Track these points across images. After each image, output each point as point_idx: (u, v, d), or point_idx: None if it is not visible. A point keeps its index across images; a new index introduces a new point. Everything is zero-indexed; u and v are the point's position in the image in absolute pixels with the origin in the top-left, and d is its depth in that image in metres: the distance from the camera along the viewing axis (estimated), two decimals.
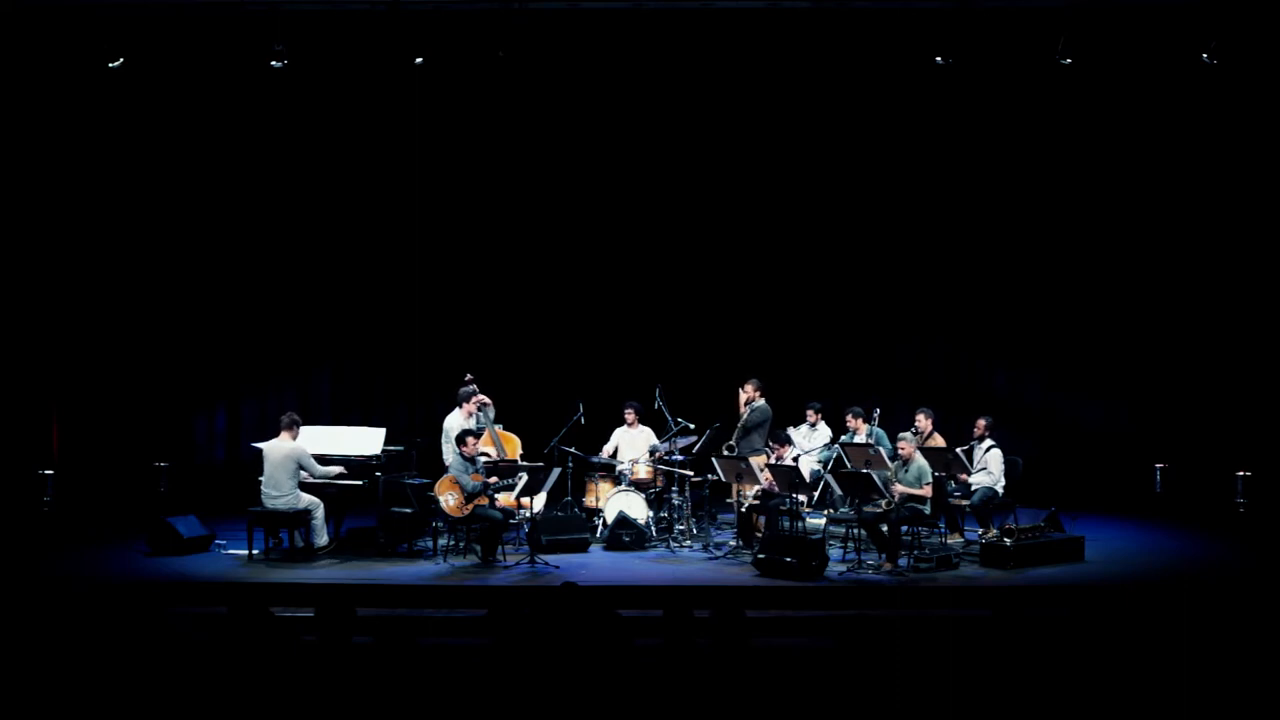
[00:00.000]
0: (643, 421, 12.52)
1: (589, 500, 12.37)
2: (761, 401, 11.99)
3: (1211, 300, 14.04)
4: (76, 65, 13.10)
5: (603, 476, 12.39)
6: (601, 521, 12.02)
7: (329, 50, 13.13)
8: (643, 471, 12.18)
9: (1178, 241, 14.15)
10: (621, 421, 12.53)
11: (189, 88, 13.66)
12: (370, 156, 14.34)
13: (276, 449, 11.10)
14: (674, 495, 11.99)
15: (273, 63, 12.62)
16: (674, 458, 11.99)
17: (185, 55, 13.08)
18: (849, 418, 12.14)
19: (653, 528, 11.86)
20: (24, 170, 13.57)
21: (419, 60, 13.02)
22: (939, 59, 12.88)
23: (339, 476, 11.37)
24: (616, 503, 11.84)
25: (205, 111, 13.93)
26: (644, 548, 11.61)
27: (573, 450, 12.17)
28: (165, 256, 14.31)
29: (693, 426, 12.09)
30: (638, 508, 11.78)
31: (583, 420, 12.24)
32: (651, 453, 12.20)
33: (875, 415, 12.09)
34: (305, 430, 11.47)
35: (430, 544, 11.40)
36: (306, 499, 11.09)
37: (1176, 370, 14.22)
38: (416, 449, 12.23)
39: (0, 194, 13.50)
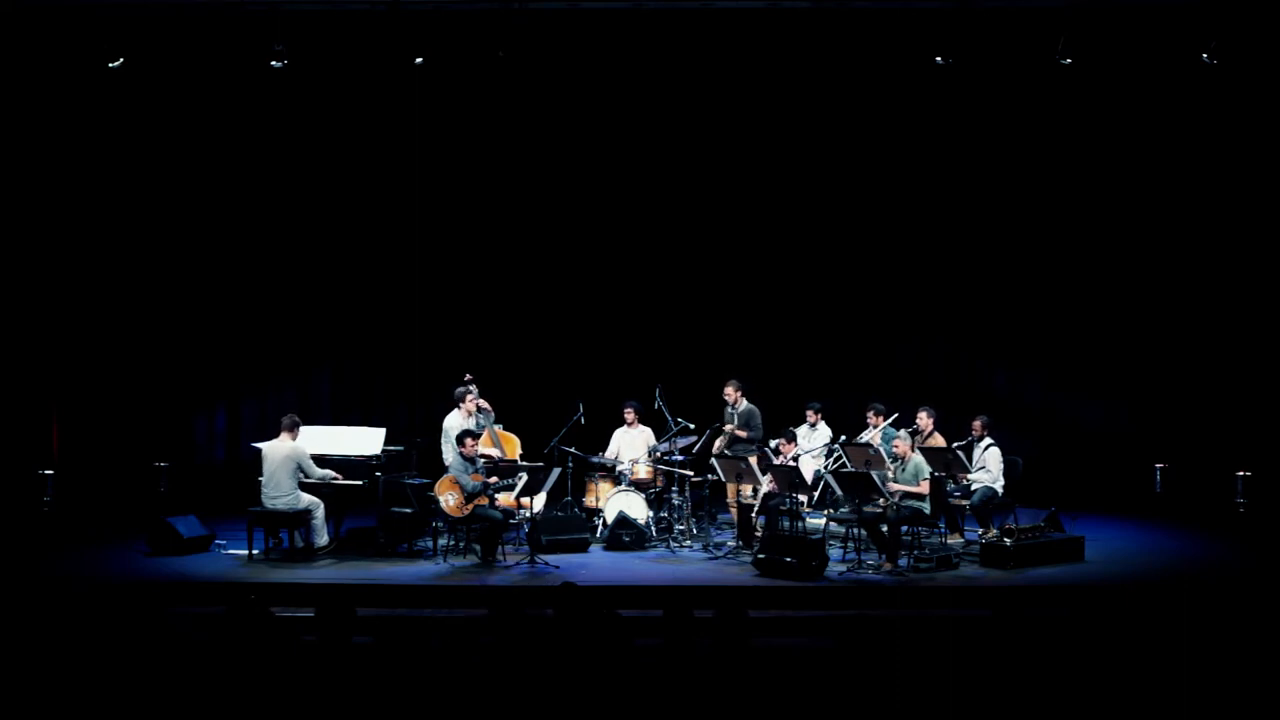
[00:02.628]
0: (643, 421, 12.52)
1: (589, 500, 12.37)
2: (746, 404, 12.04)
3: (1211, 300, 14.04)
4: (76, 65, 13.10)
5: (603, 476, 12.39)
6: (601, 521, 12.02)
7: (329, 50, 13.12)
8: (643, 471, 12.18)
9: (1177, 241, 14.15)
10: (621, 421, 12.53)
11: (189, 88, 13.65)
12: (370, 156, 14.34)
13: (277, 449, 11.10)
14: (674, 495, 11.99)
15: (273, 63, 12.62)
16: (674, 458, 12.00)
17: (185, 55, 13.07)
18: (870, 414, 12.14)
19: (653, 528, 11.86)
20: (24, 170, 13.57)
21: (419, 60, 13.02)
22: (939, 59, 12.88)
23: (333, 479, 11.36)
24: (616, 503, 11.84)
25: (205, 111, 13.93)
26: (644, 548, 11.61)
27: (573, 450, 12.17)
28: (165, 256, 14.31)
29: (693, 426, 12.10)
30: (638, 508, 11.78)
31: (583, 420, 12.24)
32: (651, 453, 12.21)
33: (892, 418, 12.07)
34: (305, 430, 11.48)
35: (430, 544, 11.40)
36: (307, 499, 11.09)
37: (1176, 370, 14.22)
38: (416, 449, 12.24)
39: (0, 194, 13.49)
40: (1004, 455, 11.64)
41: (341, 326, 14.66)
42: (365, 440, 11.74)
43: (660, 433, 12.29)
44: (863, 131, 14.39)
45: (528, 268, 14.71)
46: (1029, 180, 14.37)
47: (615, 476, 12.26)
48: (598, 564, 11.13)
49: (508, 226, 14.67)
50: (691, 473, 11.98)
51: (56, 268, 13.85)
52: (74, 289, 13.96)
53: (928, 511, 10.74)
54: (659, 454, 12.15)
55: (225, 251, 14.46)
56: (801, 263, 14.74)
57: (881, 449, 11.17)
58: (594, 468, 12.45)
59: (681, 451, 12.08)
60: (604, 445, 12.56)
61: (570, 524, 11.77)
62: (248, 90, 13.68)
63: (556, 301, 14.71)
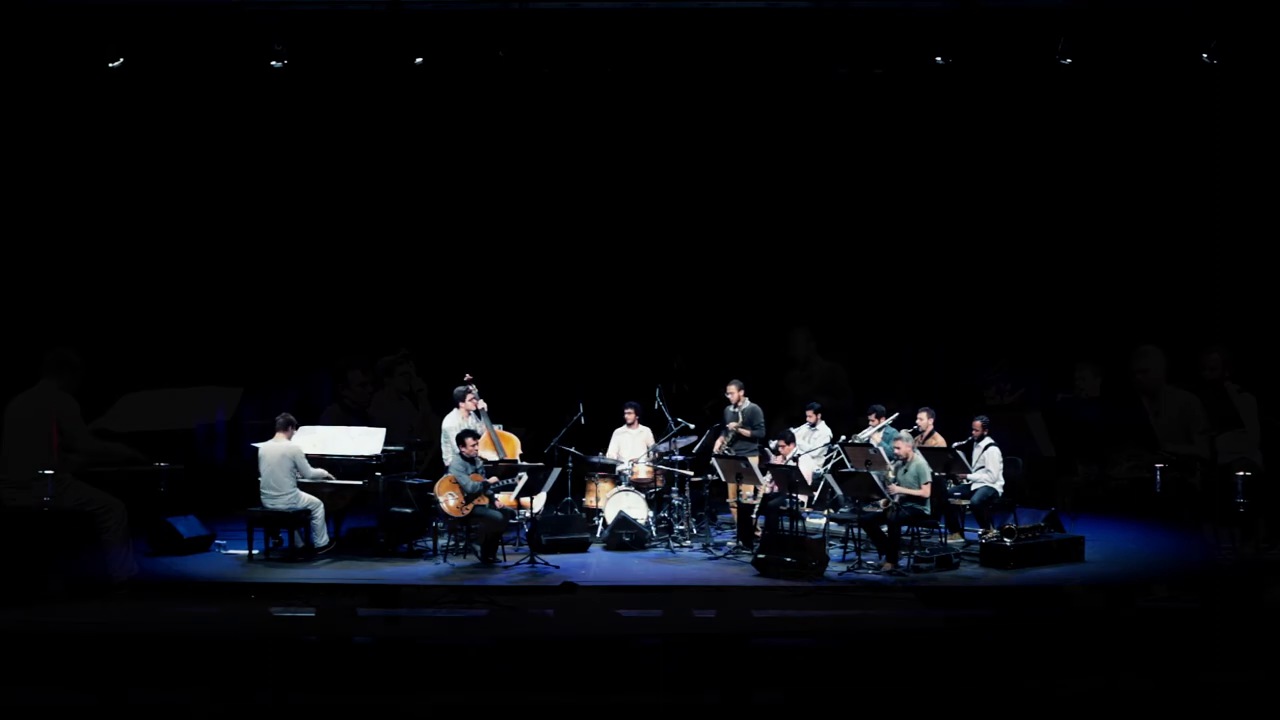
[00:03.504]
0: (643, 421, 12.53)
1: (589, 500, 12.38)
2: (748, 403, 12.05)
3: (1211, 300, 14.02)
4: (76, 65, 13.09)
5: (603, 476, 12.40)
6: (601, 521, 12.03)
7: (329, 50, 13.11)
8: (643, 471, 12.19)
9: (1177, 242, 14.15)
10: (621, 421, 12.54)
11: (189, 87, 13.63)
12: (370, 157, 14.34)
13: (273, 449, 11.12)
14: (674, 495, 12.00)
15: (273, 63, 12.63)
16: (674, 458, 12.01)
17: (185, 55, 13.05)
18: (871, 416, 12.17)
19: (653, 528, 11.87)
20: (24, 170, 13.56)
21: (419, 60, 13.02)
22: (939, 59, 12.88)
23: (326, 479, 11.37)
24: (616, 503, 11.85)
25: (205, 111, 13.92)
26: (644, 548, 11.62)
27: (573, 450, 12.17)
28: (165, 257, 14.29)
29: (693, 426, 12.11)
30: (638, 508, 11.79)
31: (583, 420, 12.25)
32: (651, 453, 12.21)
33: (892, 418, 12.08)
34: (307, 430, 11.49)
35: (430, 544, 11.40)
36: (306, 499, 11.09)
37: (1176, 370, 14.19)
38: (416, 449, 12.23)
39: (0, 194, 13.50)
40: (1004, 455, 11.65)
41: (341, 327, 14.65)
42: (365, 440, 11.74)
43: (660, 433, 12.30)
44: (863, 132, 14.38)
45: (528, 268, 14.71)
46: (1029, 180, 14.37)
47: (615, 476, 12.26)
48: (598, 564, 11.14)
49: (508, 226, 14.67)
50: (691, 473, 11.99)
51: (56, 268, 13.83)
52: (74, 289, 13.93)
53: (928, 512, 10.75)
54: (659, 454, 12.16)
55: (226, 252, 14.45)
56: (802, 263, 14.74)
57: (882, 449, 11.18)
58: (594, 468, 12.46)
59: (681, 451, 12.09)
60: (604, 445, 12.56)
61: (570, 524, 11.78)
62: (248, 90, 13.66)
63: (556, 302, 14.71)
